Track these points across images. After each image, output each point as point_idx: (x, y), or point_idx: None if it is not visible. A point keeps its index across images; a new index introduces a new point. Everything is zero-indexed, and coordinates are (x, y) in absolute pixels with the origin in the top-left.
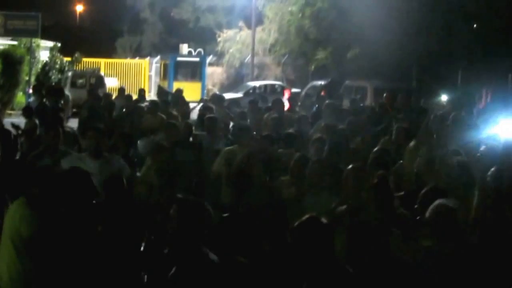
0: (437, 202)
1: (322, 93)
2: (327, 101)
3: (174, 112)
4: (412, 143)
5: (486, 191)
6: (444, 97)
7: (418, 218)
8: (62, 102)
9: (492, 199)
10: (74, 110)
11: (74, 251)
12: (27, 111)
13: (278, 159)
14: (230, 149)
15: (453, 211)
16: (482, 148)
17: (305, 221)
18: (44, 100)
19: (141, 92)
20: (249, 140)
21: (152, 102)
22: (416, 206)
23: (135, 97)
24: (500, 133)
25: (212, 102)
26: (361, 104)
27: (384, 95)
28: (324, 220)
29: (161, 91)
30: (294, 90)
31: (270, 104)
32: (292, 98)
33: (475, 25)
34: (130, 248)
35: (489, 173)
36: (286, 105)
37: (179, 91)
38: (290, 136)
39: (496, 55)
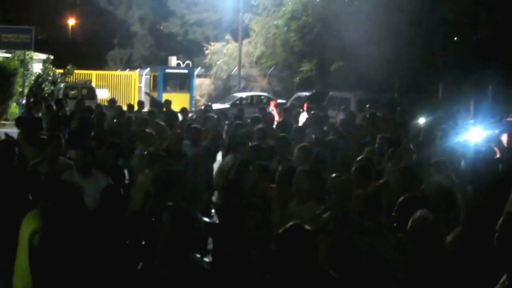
0: (418, 212)
1: (305, 105)
2: (312, 112)
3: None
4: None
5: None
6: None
7: (394, 225)
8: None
9: (473, 209)
10: None
11: (78, 262)
12: (19, 122)
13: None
14: (226, 159)
15: (433, 223)
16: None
17: (289, 228)
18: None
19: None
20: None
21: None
22: (393, 214)
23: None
24: (470, 139)
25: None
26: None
27: (367, 106)
28: (307, 227)
29: (154, 101)
30: (279, 101)
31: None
32: (287, 109)
33: (455, 38)
34: (127, 256)
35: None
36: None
37: (168, 102)
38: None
39: (477, 68)
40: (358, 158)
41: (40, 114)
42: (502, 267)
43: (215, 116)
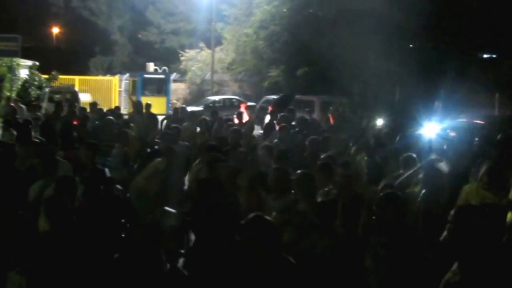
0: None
1: (270, 108)
2: (280, 114)
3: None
4: (353, 149)
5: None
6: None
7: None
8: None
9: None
10: None
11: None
12: (6, 124)
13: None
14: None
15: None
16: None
17: (251, 219)
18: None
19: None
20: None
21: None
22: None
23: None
24: (424, 133)
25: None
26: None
27: (330, 108)
28: (268, 218)
29: (138, 104)
30: (250, 103)
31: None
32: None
33: (411, 45)
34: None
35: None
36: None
37: (148, 106)
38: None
39: (430, 73)
40: (322, 156)
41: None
42: (453, 256)
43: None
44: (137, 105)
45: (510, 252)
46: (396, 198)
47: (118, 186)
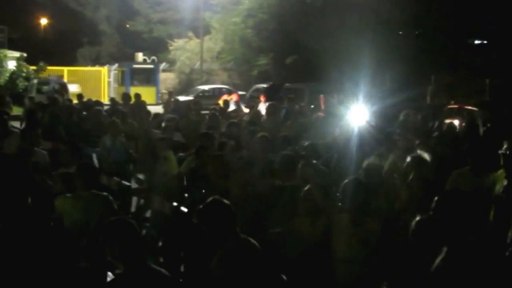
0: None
1: (262, 97)
2: (268, 102)
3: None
4: None
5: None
6: None
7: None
8: None
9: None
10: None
11: None
12: None
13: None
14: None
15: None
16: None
17: (209, 202)
18: None
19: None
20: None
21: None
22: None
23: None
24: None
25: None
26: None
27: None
28: (225, 201)
29: (126, 97)
30: (240, 92)
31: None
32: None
33: (400, 32)
34: None
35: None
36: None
37: (137, 96)
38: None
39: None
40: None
41: None
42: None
43: None
44: (124, 96)
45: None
46: None
47: (115, 178)
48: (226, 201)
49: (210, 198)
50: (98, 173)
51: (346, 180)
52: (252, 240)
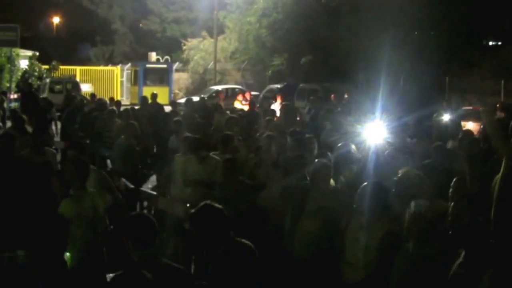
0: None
1: (278, 97)
2: (283, 103)
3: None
4: None
5: None
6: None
7: None
8: None
9: None
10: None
11: None
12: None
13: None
14: None
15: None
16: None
17: (200, 207)
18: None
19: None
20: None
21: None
22: None
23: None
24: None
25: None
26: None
27: (332, 96)
28: (217, 205)
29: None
30: (253, 93)
31: None
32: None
33: (416, 32)
34: None
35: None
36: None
37: (154, 96)
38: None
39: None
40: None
41: None
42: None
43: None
44: (142, 99)
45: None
46: None
47: (123, 180)
48: (218, 205)
49: (202, 203)
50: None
51: (365, 183)
52: (248, 243)
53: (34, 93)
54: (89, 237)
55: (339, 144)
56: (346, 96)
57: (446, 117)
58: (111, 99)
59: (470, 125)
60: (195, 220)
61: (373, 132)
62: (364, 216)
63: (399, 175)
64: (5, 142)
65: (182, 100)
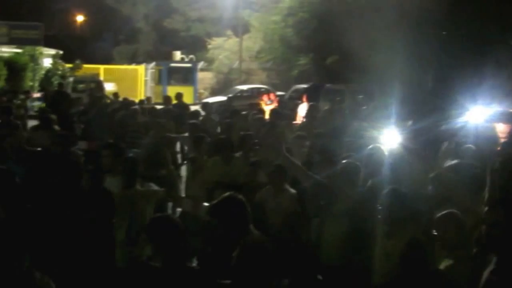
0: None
1: (304, 98)
2: (310, 103)
3: None
4: None
5: None
6: None
7: None
8: None
9: None
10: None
11: None
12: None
13: None
14: None
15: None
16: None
17: (223, 199)
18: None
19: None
20: None
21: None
22: None
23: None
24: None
25: (202, 109)
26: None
27: (360, 97)
28: (240, 196)
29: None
30: (278, 93)
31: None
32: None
33: (444, 32)
34: None
35: None
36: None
37: (179, 95)
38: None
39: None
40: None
41: None
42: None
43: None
44: (166, 98)
45: None
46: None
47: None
48: (240, 197)
49: (225, 194)
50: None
51: (386, 190)
52: (265, 237)
53: (64, 92)
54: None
55: (370, 147)
56: (361, 97)
57: (477, 119)
58: (148, 98)
59: (501, 127)
60: (216, 209)
61: (397, 136)
62: (387, 224)
63: (432, 176)
64: (62, 142)
65: (208, 100)
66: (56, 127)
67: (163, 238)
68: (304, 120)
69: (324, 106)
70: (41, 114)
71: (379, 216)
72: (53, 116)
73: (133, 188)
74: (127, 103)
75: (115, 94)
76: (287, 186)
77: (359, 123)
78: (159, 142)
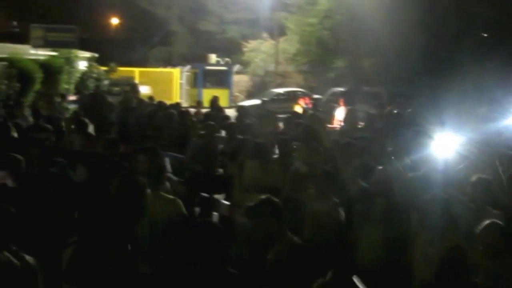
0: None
1: (341, 101)
2: (348, 107)
3: None
4: None
5: None
6: None
7: None
8: None
9: None
10: None
11: None
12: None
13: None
14: None
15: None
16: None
17: (261, 201)
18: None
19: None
20: None
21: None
22: None
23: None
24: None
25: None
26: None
27: (399, 100)
28: (276, 199)
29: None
30: (315, 96)
31: None
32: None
33: (485, 35)
34: None
35: None
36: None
37: (216, 98)
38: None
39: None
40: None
41: None
42: None
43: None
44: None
45: None
46: None
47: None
48: (276, 200)
49: (263, 197)
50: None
51: (428, 196)
52: (301, 243)
53: (102, 95)
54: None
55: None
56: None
57: None
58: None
59: None
60: (253, 210)
61: (444, 142)
62: (430, 230)
63: (473, 180)
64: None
65: (243, 103)
66: (91, 130)
67: (205, 242)
68: (343, 124)
69: (362, 109)
70: (75, 117)
71: (420, 222)
72: (86, 120)
73: (157, 192)
74: (163, 106)
75: (151, 98)
76: (331, 192)
77: (409, 128)
78: (213, 142)
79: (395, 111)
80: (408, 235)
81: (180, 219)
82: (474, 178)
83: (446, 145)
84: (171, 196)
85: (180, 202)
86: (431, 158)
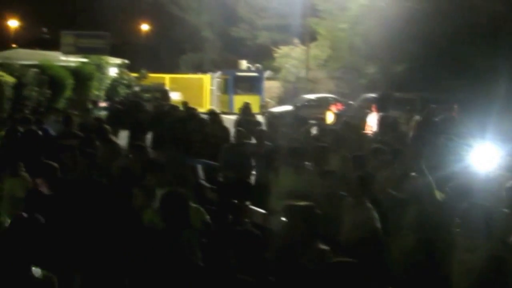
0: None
1: (373, 107)
2: (380, 114)
3: None
4: None
5: None
6: None
7: None
8: None
9: None
10: None
11: None
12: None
13: None
14: None
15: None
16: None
17: (301, 204)
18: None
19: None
20: None
21: None
22: None
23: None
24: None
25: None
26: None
27: (433, 106)
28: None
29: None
30: (350, 102)
31: None
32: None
33: None
34: None
35: None
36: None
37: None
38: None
39: None
40: None
41: None
42: None
43: None
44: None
45: None
46: None
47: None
48: (314, 206)
49: (301, 202)
50: None
51: (467, 204)
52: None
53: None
54: None
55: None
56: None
57: None
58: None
59: None
60: (291, 209)
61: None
62: (468, 238)
63: (509, 186)
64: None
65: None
66: (114, 138)
67: (246, 250)
68: (375, 131)
69: (394, 115)
70: (97, 123)
71: (459, 230)
72: (108, 127)
73: None
74: (194, 113)
75: (185, 104)
76: (367, 200)
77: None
78: (244, 148)
79: (423, 118)
80: (446, 244)
81: (203, 227)
82: (509, 183)
83: (486, 155)
84: (194, 205)
85: (203, 210)
86: (468, 167)
